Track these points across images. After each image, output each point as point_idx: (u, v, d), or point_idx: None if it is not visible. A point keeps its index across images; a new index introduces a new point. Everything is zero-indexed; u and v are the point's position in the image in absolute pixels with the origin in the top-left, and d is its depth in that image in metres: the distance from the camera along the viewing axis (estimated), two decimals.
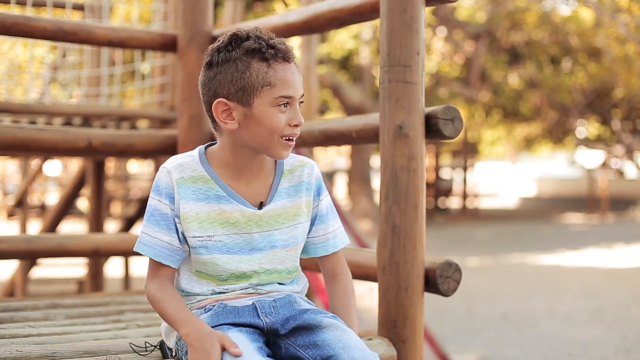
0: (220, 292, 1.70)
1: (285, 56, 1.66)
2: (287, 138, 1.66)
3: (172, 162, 1.71)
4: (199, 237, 1.67)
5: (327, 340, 1.59)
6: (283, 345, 1.64)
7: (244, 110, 1.64)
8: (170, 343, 1.74)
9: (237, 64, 1.63)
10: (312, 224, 1.80)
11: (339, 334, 1.60)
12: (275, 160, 1.77)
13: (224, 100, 1.64)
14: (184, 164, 1.70)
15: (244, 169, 1.71)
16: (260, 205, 1.71)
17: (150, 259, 1.70)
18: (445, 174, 24.51)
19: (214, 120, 1.70)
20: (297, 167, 1.77)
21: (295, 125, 1.67)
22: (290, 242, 1.74)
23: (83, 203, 14.74)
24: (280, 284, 1.75)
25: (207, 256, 1.68)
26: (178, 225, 1.68)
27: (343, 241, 1.84)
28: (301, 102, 1.70)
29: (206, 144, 1.76)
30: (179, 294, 1.70)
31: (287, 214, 1.74)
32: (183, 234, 1.69)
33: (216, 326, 1.62)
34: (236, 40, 1.65)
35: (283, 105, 1.64)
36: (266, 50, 1.63)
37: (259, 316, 1.66)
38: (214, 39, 2.85)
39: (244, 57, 1.63)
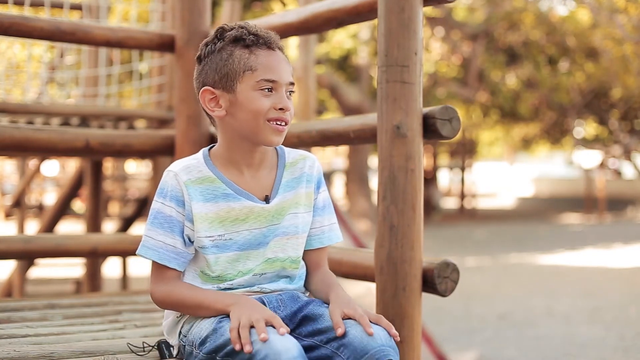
0: (226, 289, 1.71)
1: (268, 43, 1.70)
2: (275, 122, 1.67)
3: (178, 165, 1.72)
4: (210, 236, 1.68)
5: (330, 327, 1.57)
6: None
7: (229, 97, 1.67)
8: (173, 340, 1.74)
9: (221, 54, 1.68)
10: None
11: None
12: (277, 155, 1.80)
13: (210, 88, 1.69)
14: (189, 166, 1.71)
15: (246, 164, 1.73)
16: (267, 199, 1.74)
17: (155, 262, 1.69)
18: (443, 174, 24.52)
19: (209, 115, 1.73)
20: (298, 160, 1.82)
21: (281, 109, 1.67)
22: (290, 230, 1.75)
23: (78, 205, 14.76)
24: (285, 277, 1.75)
25: (217, 255, 1.68)
26: (186, 228, 1.68)
27: (338, 236, 1.87)
28: (291, 91, 1.71)
29: (209, 146, 1.78)
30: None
31: (289, 204, 1.76)
32: (189, 237, 1.69)
33: (224, 319, 1.60)
34: (221, 32, 1.71)
35: (267, 90, 1.66)
36: (247, 37, 1.68)
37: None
38: None
39: (228, 46, 1.68)
